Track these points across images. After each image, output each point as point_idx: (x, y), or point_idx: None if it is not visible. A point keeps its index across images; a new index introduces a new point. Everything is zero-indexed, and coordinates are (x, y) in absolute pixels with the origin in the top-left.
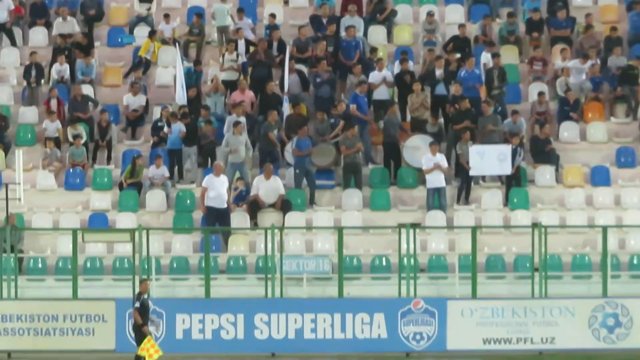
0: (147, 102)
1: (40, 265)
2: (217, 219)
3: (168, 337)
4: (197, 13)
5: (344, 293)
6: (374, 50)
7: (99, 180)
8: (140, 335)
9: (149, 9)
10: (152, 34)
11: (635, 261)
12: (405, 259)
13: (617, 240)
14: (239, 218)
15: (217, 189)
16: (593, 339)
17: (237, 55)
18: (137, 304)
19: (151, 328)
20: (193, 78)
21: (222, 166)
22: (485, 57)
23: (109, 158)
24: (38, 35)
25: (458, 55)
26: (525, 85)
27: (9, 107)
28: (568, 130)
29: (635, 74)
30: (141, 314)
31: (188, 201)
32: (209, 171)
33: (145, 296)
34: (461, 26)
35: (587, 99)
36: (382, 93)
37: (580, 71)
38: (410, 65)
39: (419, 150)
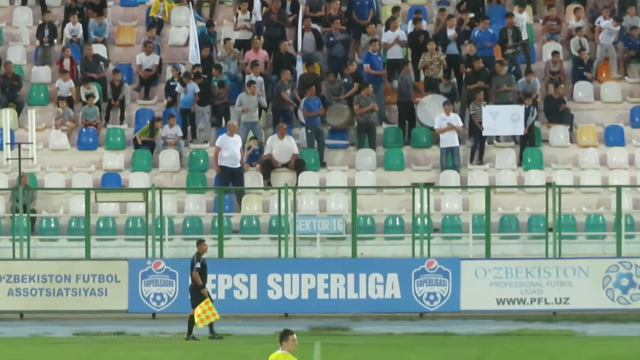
0: (160, 61)
1: (52, 225)
2: (230, 178)
3: (181, 297)
4: None
5: (357, 253)
6: (390, 10)
7: (112, 139)
8: (198, 296)
9: None
10: None
11: None
12: (418, 219)
13: (632, 200)
14: (252, 178)
15: (230, 148)
16: (607, 299)
17: (251, 15)
18: (198, 265)
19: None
20: (207, 38)
21: (235, 126)
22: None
23: (122, 118)
24: None
25: (472, 15)
26: (540, 44)
27: (22, 66)
28: (582, 89)
29: None
30: (201, 275)
31: (201, 160)
32: (222, 131)
33: (201, 254)
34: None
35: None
36: (395, 52)
37: (611, 33)
38: (424, 24)
39: (432, 110)
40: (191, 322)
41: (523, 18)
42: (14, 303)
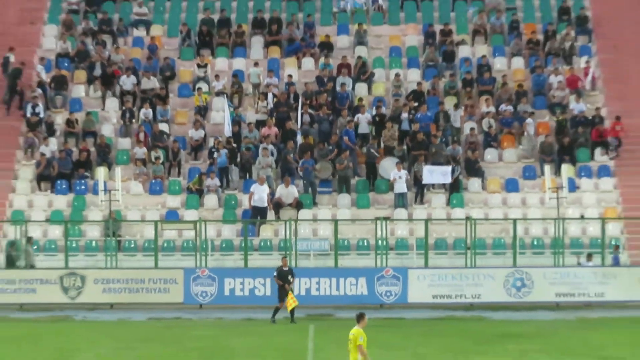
0: (205, 134)
1: (132, 245)
2: (259, 213)
3: (219, 294)
4: (237, 74)
5: (338, 264)
6: (359, 100)
7: (172, 188)
8: (282, 291)
9: (205, 72)
10: (198, 89)
11: (535, 242)
12: (379, 241)
13: (523, 228)
14: (267, 213)
15: (259, 193)
16: (506, 295)
17: (267, 103)
18: (275, 273)
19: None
20: (236, 118)
21: (264, 178)
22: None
23: (179, 173)
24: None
25: (416, 104)
26: (461, 123)
27: (111, 138)
28: (490, 154)
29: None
30: (279, 278)
31: (232, 202)
32: (248, 182)
33: (285, 268)
34: (418, 83)
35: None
36: (364, 128)
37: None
38: (383, 109)
39: (389, 168)
40: (277, 310)
41: (451, 106)
42: (106, 298)
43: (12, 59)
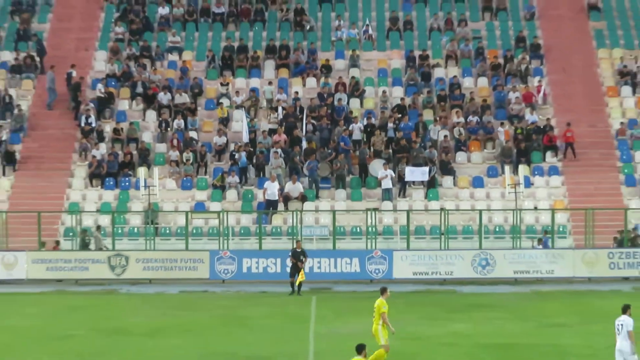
0: (226, 140)
1: (167, 231)
2: (271, 205)
3: (238, 272)
4: (253, 91)
5: (336, 247)
6: (352, 112)
7: (200, 184)
8: (294, 268)
9: (227, 89)
10: (220, 104)
11: (497, 229)
12: (369, 228)
13: (487, 217)
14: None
15: (271, 189)
16: (473, 272)
17: (277, 115)
18: (290, 253)
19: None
20: (252, 127)
21: (275, 176)
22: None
23: (205, 172)
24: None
25: (399, 115)
26: (436, 131)
27: (150, 143)
28: (460, 157)
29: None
30: (293, 257)
31: (249, 196)
32: (262, 179)
33: (298, 249)
34: (401, 99)
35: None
36: (357, 135)
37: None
38: (373, 120)
39: (377, 168)
40: (293, 284)
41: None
42: (146, 274)
43: (74, 74)
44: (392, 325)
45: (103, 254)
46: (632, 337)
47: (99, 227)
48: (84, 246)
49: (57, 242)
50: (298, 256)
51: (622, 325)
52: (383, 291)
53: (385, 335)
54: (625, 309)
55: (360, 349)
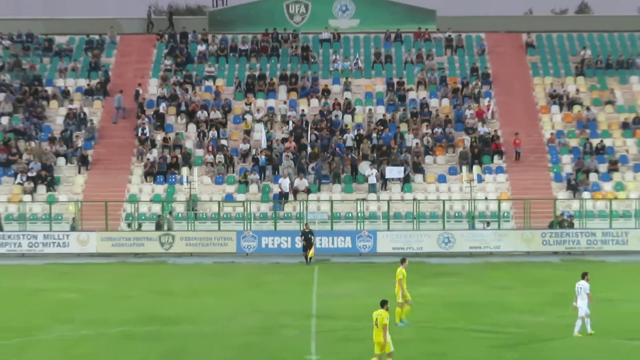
0: (249, 147)
1: (204, 216)
2: (283, 196)
3: (259, 247)
4: (270, 109)
5: (333, 228)
6: (346, 125)
7: (229, 180)
8: (307, 245)
9: (250, 108)
10: (245, 119)
11: (456, 214)
12: (359, 213)
13: (449, 206)
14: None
15: (284, 183)
16: (439, 247)
17: (288, 127)
18: (300, 233)
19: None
20: (269, 136)
21: (287, 174)
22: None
23: (233, 171)
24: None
25: (382, 127)
26: (411, 140)
27: (191, 149)
28: (428, 159)
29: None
30: (302, 236)
31: (267, 189)
32: (276, 176)
33: (307, 230)
34: (383, 115)
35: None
36: (349, 143)
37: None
38: (361, 131)
39: (365, 168)
40: (306, 257)
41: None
42: (188, 249)
43: (140, 91)
44: (385, 289)
45: (155, 233)
46: (589, 297)
47: (171, 212)
48: (159, 227)
49: (129, 224)
50: (307, 235)
51: (581, 288)
52: (402, 261)
53: (406, 295)
54: (583, 276)
55: (383, 303)
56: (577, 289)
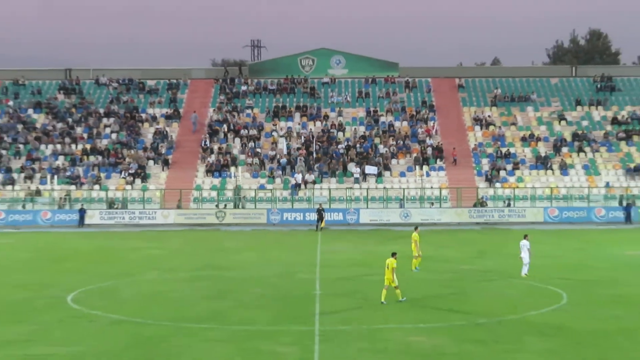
0: (275, 153)
1: (246, 199)
2: (298, 186)
3: (281, 220)
4: (289, 128)
5: (330, 207)
6: (339, 139)
7: (262, 175)
8: (319, 218)
9: (275, 127)
10: (272, 134)
11: (412, 198)
12: (347, 197)
13: (407, 192)
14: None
15: (298, 178)
16: (400, 219)
17: (301, 140)
18: (316, 211)
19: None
20: (288, 146)
21: (300, 171)
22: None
23: (264, 169)
24: (245, 134)
25: (363, 141)
26: (382, 148)
27: (237, 155)
28: (394, 162)
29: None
30: (317, 213)
31: (287, 181)
32: (293, 173)
33: (320, 208)
34: (363, 132)
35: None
36: (342, 150)
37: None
38: (349, 143)
39: (352, 167)
40: (318, 225)
41: (378, 143)
42: (235, 220)
43: (198, 117)
44: (365, 247)
45: (213, 210)
46: (530, 251)
47: (244, 197)
48: (236, 205)
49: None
50: (320, 212)
51: (524, 245)
52: (415, 228)
53: (415, 251)
54: (525, 236)
55: (393, 254)
56: (521, 246)
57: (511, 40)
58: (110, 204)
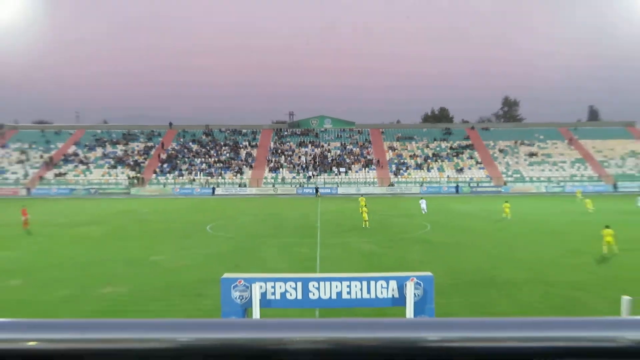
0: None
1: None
2: (317, 191)
3: (303, 193)
4: (306, 151)
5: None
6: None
7: (273, 179)
8: (317, 192)
9: (300, 151)
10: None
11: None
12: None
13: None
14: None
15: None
16: (355, 192)
17: (310, 156)
18: (315, 188)
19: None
20: (306, 159)
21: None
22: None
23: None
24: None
25: (339, 157)
26: (347, 160)
27: (282, 163)
28: (353, 166)
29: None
30: (316, 189)
31: (305, 175)
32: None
33: (317, 188)
34: (338, 155)
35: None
36: (329, 160)
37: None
38: (333, 157)
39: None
40: (316, 194)
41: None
42: (282, 192)
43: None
44: (344, 204)
45: (271, 188)
46: (425, 202)
47: (317, 190)
48: (316, 191)
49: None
50: (317, 189)
51: (423, 200)
52: (362, 196)
53: (363, 209)
54: (421, 199)
55: (363, 200)
56: (420, 202)
57: (408, 105)
58: (240, 185)
